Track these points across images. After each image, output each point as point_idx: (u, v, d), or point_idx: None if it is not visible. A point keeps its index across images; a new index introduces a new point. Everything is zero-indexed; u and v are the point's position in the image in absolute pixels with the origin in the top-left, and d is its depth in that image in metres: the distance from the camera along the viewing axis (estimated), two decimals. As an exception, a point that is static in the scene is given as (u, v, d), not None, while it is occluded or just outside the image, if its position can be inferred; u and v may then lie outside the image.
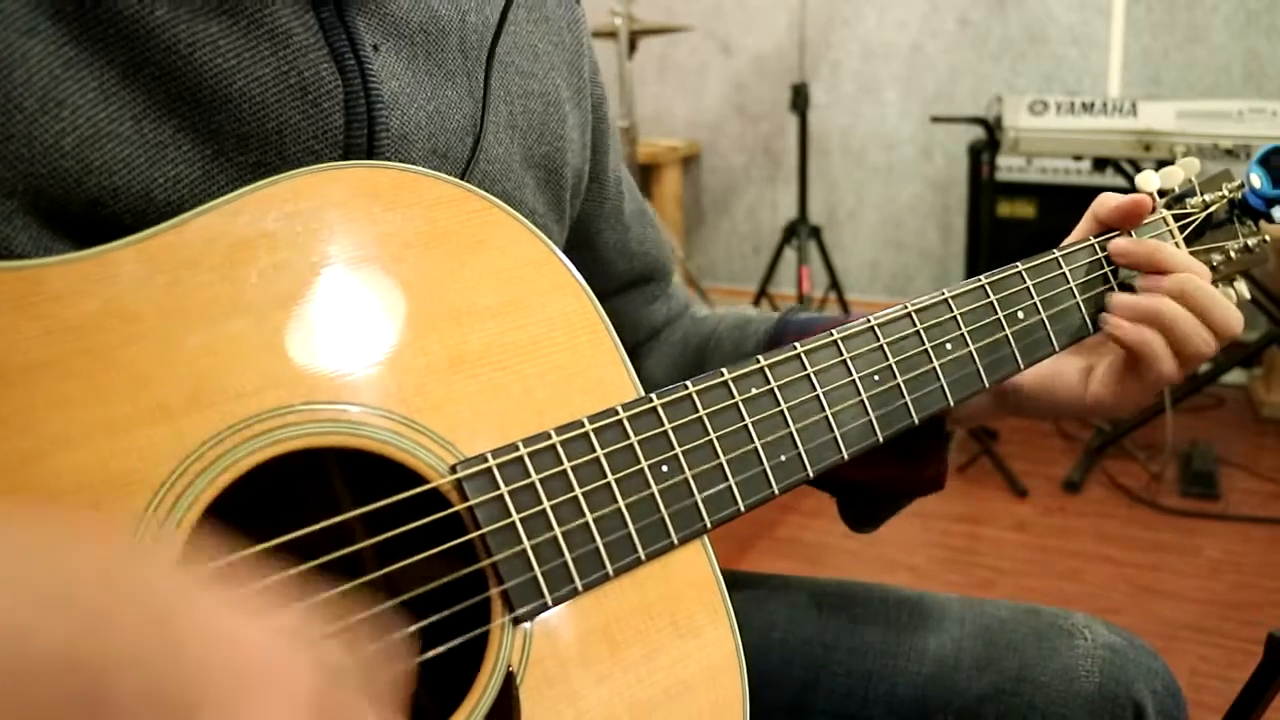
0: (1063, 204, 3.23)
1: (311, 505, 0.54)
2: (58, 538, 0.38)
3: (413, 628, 0.55)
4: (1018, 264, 0.76)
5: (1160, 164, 0.85)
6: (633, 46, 3.12)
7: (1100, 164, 2.80)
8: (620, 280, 0.89)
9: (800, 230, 3.34)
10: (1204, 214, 0.83)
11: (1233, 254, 0.83)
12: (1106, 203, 0.80)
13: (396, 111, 0.64)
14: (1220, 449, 2.86)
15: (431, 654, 0.55)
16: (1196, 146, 2.55)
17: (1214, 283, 0.83)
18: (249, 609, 0.40)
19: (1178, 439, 2.78)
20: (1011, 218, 3.27)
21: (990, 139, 2.90)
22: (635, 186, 0.91)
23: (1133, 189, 0.83)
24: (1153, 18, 3.36)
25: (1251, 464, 2.83)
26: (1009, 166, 3.27)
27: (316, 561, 0.52)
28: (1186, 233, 0.82)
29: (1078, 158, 2.85)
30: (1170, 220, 0.82)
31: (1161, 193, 0.83)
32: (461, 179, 0.67)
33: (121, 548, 0.42)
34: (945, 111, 3.54)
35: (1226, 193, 0.83)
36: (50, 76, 0.54)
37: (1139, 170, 0.85)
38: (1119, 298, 0.77)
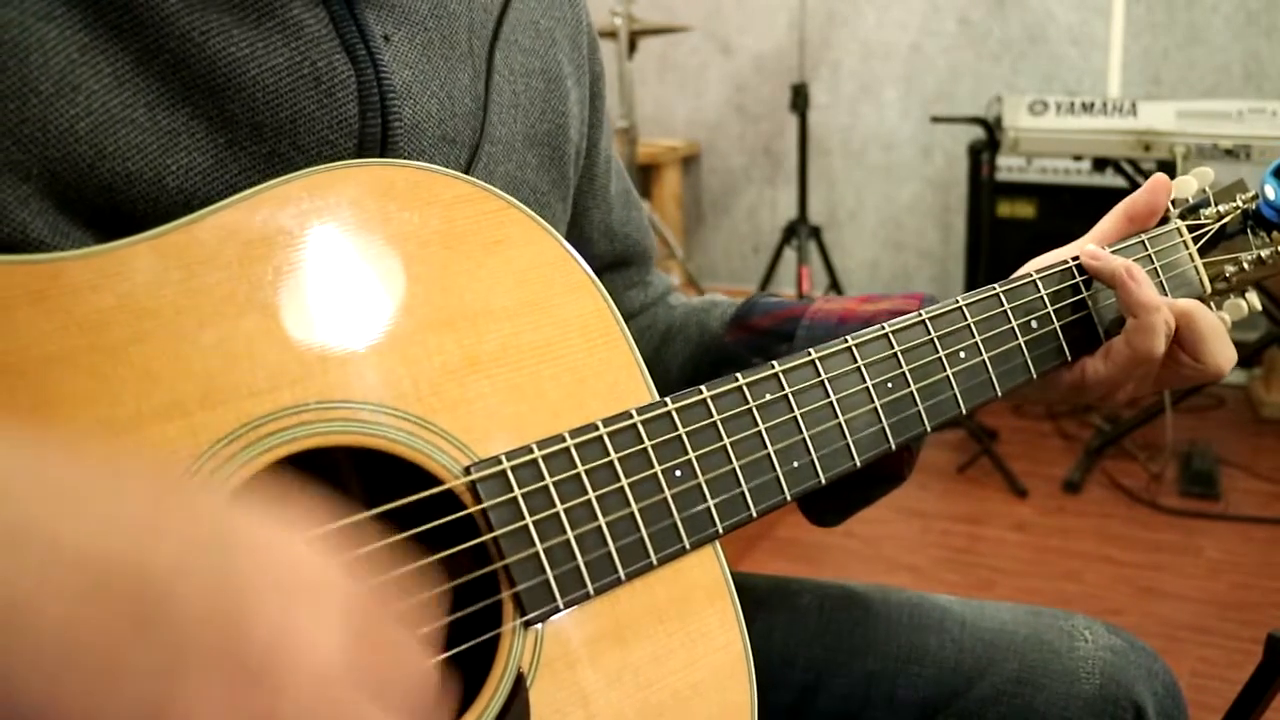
0: (1063, 204, 3.23)
1: (325, 505, 0.54)
2: (111, 467, 0.39)
3: (426, 629, 0.56)
4: (1032, 273, 0.76)
5: (1160, 164, 0.85)
6: (633, 46, 3.12)
7: (1100, 164, 2.80)
8: (600, 261, 0.88)
9: (800, 230, 3.34)
10: (1218, 225, 0.82)
11: (1246, 265, 0.83)
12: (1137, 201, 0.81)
13: (409, 101, 0.64)
14: (1220, 449, 2.86)
15: (443, 656, 0.55)
16: (1196, 147, 2.55)
17: (1226, 293, 0.83)
18: (294, 527, 0.41)
19: (1178, 439, 2.79)
20: (1011, 218, 3.27)
21: (990, 139, 2.90)
22: (623, 168, 0.90)
23: (1135, 189, 0.83)
24: (1153, 18, 3.37)
25: (1251, 464, 2.83)
26: (1009, 166, 3.27)
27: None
28: (1200, 243, 0.82)
29: (1078, 158, 2.85)
30: (1184, 230, 0.82)
31: (1175, 203, 0.82)
32: (469, 163, 0.67)
33: (171, 476, 0.44)
34: (945, 111, 3.54)
35: (1240, 203, 0.83)
36: (66, 60, 0.54)
37: (1140, 170, 0.85)
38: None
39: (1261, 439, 3.03)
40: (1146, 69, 3.40)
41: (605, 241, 0.87)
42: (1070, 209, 3.18)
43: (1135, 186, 0.83)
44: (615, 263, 0.89)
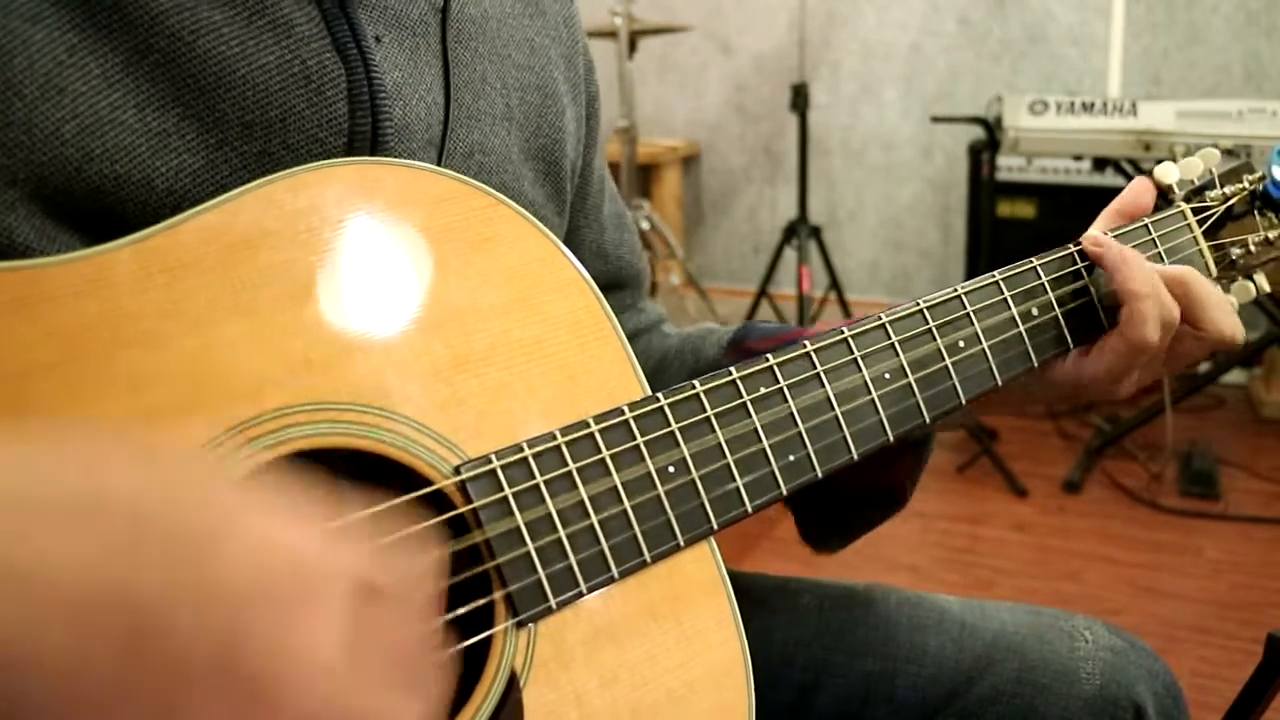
0: (1063, 204, 3.22)
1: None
2: (88, 470, 0.38)
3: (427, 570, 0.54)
4: (1033, 260, 0.75)
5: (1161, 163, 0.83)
6: (633, 46, 3.11)
7: (1100, 164, 2.80)
8: None
9: (800, 230, 3.33)
10: (1223, 206, 0.81)
11: (1253, 247, 0.81)
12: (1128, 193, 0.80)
13: (399, 102, 0.64)
14: (1220, 449, 2.86)
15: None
16: (1196, 146, 2.54)
17: (1233, 278, 0.82)
18: (282, 513, 0.40)
19: (1178, 439, 2.78)
20: (1011, 218, 3.27)
21: (990, 139, 2.89)
22: (616, 191, 0.90)
23: None
24: (1153, 18, 3.36)
25: (1251, 464, 2.82)
26: (1009, 166, 3.26)
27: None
28: (1205, 226, 0.81)
29: (1078, 158, 2.84)
30: (1189, 214, 0.81)
31: (1179, 185, 0.81)
32: (438, 162, 0.67)
33: (154, 463, 0.41)
34: (945, 111, 3.53)
35: (1247, 184, 0.81)
36: (54, 62, 0.53)
37: (1140, 170, 0.84)
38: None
39: (1261, 439, 3.02)
40: (1146, 69, 3.39)
41: (598, 262, 0.87)
42: (1070, 209, 3.17)
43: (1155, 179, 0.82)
44: (607, 285, 0.88)
